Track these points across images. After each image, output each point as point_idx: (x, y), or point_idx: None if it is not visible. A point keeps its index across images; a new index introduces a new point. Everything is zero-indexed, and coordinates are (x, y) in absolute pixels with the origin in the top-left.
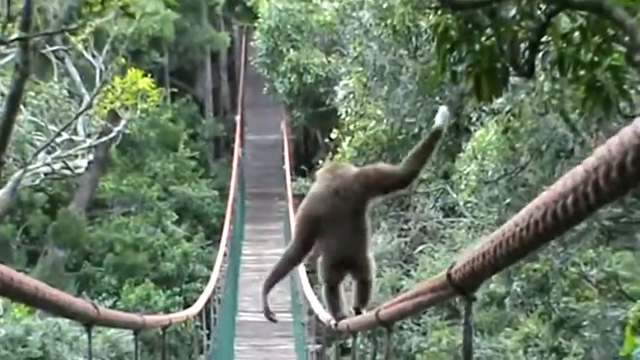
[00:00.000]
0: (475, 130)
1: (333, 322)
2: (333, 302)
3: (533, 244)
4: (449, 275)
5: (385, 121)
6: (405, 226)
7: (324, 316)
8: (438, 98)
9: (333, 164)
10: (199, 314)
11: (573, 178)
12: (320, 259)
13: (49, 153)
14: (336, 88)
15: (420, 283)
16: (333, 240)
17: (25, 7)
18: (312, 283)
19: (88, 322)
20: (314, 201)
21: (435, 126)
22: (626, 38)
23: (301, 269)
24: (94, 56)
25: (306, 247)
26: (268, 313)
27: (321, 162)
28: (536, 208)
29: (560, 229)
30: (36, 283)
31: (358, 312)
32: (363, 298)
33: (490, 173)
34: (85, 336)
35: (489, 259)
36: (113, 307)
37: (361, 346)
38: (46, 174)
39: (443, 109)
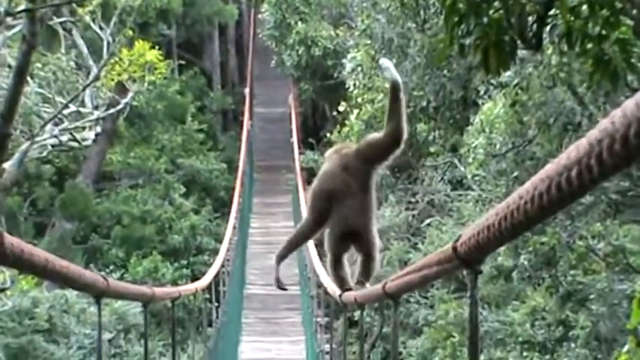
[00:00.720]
0: (483, 104)
1: (338, 293)
2: (339, 274)
3: (538, 216)
4: (454, 248)
5: None
6: (413, 199)
7: (332, 289)
8: (445, 71)
9: (340, 144)
10: (208, 287)
11: (577, 150)
12: (327, 231)
13: (56, 125)
14: (344, 60)
15: (426, 257)
16: (342, 213)
17: None
18: (321, 256)
19: (98, 294)
20: (325, 178)
21: (390, 81)
22: (634, 11)
23: (310, 242)
24: (101, 28)
25: (320, 222)
26: (279, 283)
27: (329, 135)
28: (541, 180)
29: (564, 202)
30: (46, 254)
31: (361, 285)
32: (366, 273)
33: (498, 146)
34: (92, 308)
35: (494, 232)
36: (121, 279)
37: (368, 319)
38: (53, 146)
39: (382, 63)
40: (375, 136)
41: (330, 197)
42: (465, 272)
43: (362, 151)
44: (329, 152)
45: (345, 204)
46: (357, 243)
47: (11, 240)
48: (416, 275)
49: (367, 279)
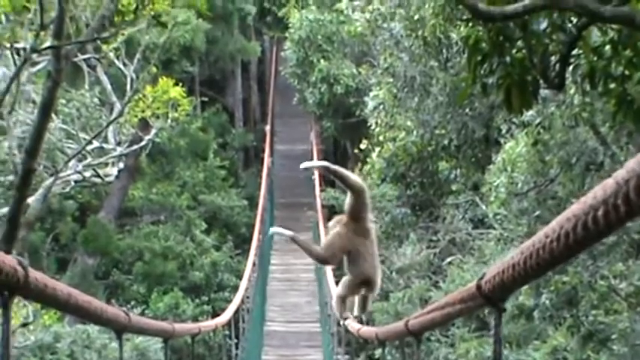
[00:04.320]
0: (505, 142)
1: (342, 321)
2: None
3: (563, 255)
4: (479, 286)
5: (415, 132)
6: (434, 238)
7: (353, 326)
8: (468, 110)
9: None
10: (228, 323)
11: (604, 190)
12: (345, 278)
13: (79, 161)
14: (366, 98)
15: (449, 294)
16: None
17: (58, 16)
18: None
19: (120, 329)
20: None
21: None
22: None
23: (330, 280)
24: (125, 65)
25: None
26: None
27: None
28: (567, 219)
29: (590, 241)
30: (69, 289)
31: (360, 319)
32: (363, 308)
33: (520, 185)
34: (113, 344)
35: (519, 271)
36: (142, 315)
37: (389, 357)
38: (76, 182)
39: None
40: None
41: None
42: (487, 310)
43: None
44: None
45: (364, 258)
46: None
47: (35, 274)
48: (439, 313)
49: (364, 312)
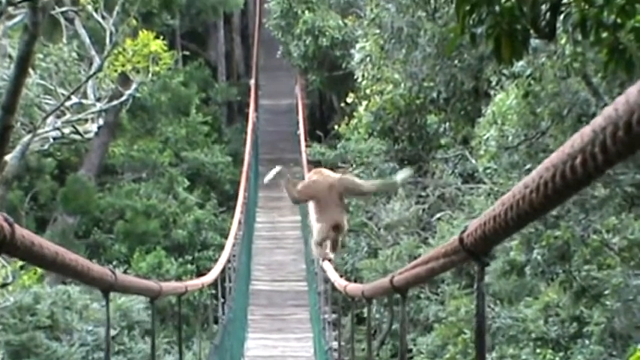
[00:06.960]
0: (495, 94)
1: (322, 259)
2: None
3: (543, 205)
4: (461, 239)
5: (402, 85)
6: (423, 193)
7: (340, 283)
8: (456, 61)
9: (320, 169)
10: (214, 283)
11: (581, 138)
12: (318, 225)
13: (58, 117)
14: (352, 51)
15: (433, 249)
16: (330, 213)
17: None
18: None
19: (106, 288)
20: (315, 186)
21: (394, 179)
22: None
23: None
24: (104, 18)
25: (298, 203)
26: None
27: (337, 127)
28: (546, 169)
29: (569, 191)
30: (56, 247)
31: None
32: (334, 248)
33: (510, 138)
34: (94, 304)
35: (500, 222)
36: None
37: (377, 316)
38: (55, 138)
39: (407, 173)
40: (357, 183)
41: (311, 198)
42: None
43: (346, 184)
44: (314, 171)
45: (331, 208)
46: (337, 231)
47: (22, 231)
48: (423, 268)
49: (334, 252)
